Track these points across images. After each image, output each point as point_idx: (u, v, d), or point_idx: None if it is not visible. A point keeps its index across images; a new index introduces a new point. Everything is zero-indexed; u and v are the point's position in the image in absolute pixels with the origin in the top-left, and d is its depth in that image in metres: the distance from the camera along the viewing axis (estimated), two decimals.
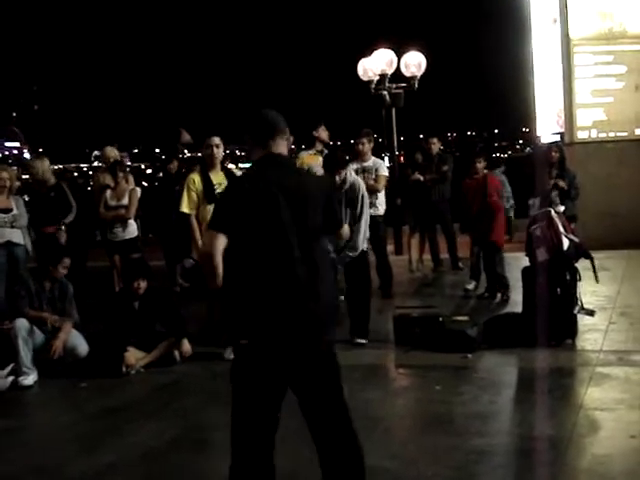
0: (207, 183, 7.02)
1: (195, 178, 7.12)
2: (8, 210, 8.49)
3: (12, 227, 8.49)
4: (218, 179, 7.05)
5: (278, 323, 3.30)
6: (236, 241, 3.32)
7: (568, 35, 13.04)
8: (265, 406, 3.45)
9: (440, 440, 4.81)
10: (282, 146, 3.54)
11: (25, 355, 6.61)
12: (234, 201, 3.37)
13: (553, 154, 9.83)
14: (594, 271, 7.15)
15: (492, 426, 5.11)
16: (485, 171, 9.53)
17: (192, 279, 10.02)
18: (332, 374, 3.46)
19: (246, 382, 3.49)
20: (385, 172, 9.46)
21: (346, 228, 4.10)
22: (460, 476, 4.24)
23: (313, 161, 9.32)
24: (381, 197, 9.43)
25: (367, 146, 9.33)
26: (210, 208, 6.92)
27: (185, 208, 7.09)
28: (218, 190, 6.99)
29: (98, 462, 4.78)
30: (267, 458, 3.46)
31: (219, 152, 7.16)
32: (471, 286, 9.56)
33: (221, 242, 3.30)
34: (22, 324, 6.70)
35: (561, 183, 9.47)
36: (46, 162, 9.61)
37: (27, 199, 9.55)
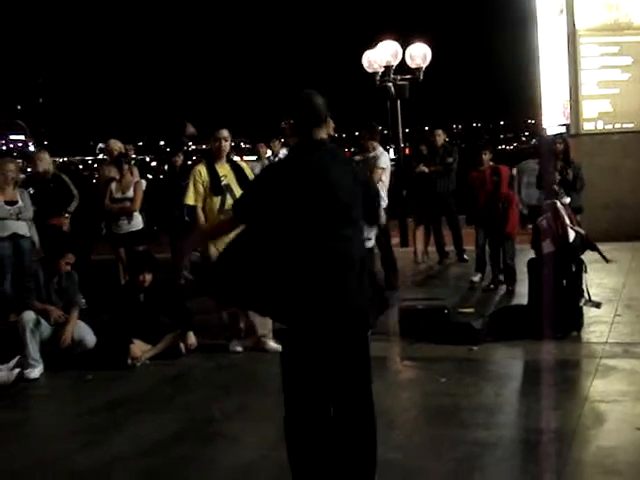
0: (213, 175, 6.99)
1: (201, 170, 7.08)
2: (14, 202, 8.51)
3: (18, 219, 8.51)
4: (224, 171, 7.04)
5: (317, 309, 3.32)
6: (272, 229, 3.31)
7: (574, 26, 12.99)
8: (314, 385, 3.49)
9: (445, 432, 4.82)
10: (324, 132, 3.50)
11: (32, 347, 6.63)
12: (267, 188, 3.35)
13: (557, 146, 9.81)
14: (602, 256, 7.15)
15: (497, 418, 5.11)
16: (491, 163, 9.51)
17: (197, 272, 10.04)
18: (362, 363, 3.50)
19: (293, 364, 3.53)
20: (382, 164, 9.32)
21: (383, 218, 4.15)
22: (465, 468, 4.24)
23: None
24: (383, 189, 9.40)
25: (366, 139, 9.27)
26: (216, 200, 6.93)
27: (190, 200, 7.04)
28: (224, 182, 6.99)
29: (103, 454, 4.79)
30: (323, 413, 3.50)
31: (227, 145, 7.13)
32: (477, 278, 9.55)
33: (233, 226, 3.53)
34: (29, 316, 6.71)
35: (570, 174, 9.45)
36: (45, 155, 9.70)
37: (31, 191, 9.57)
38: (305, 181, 3.31)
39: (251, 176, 7.12)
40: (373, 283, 3.55)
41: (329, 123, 3.66)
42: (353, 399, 3.49)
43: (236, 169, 7.09)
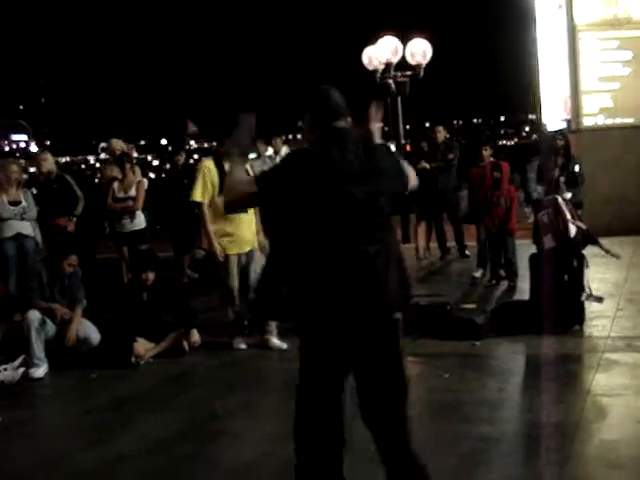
0: (221, 173, 6.89)
1: (210, 166, 7.01)
2: (17, 203, 8.54)
3: (22, 219, 8.54)
4: None
5: (342, 302, 3.21)
6: (296, 221, 3.24)
7: (573, 21, 12.98)
8: (331, 379, 3.39)
9: (448, 427, 4.84)
10: (344, 125, 3.39)
11: (37, 347, 6.65)
12: (292, 173, 3.22)
13: (558, 142, 9.82)
14: (604, 250, 7.17)
15: (500, 413, 5.13)
16: (491, 159, 9.52)
17: (202, 270, 10.06)
18: (393, 356, 3.42)
19: (312, 357, 3.37)
20: None
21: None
22: (468, 463, 4.26)
23: None
24: None
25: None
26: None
27: (198, 196, 6.98)
28: None
29: (108, 453, 4.81)
30: (335, 417, 3.41)
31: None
32: (478, 274, 9.57)
33: (251, 200, 3.49)
34: (34, 316, 6.74)
35: (576, 168, 9.46)
36: (48, 154, 9.73)
37: (34, 192, 9.60)
38: (321, 174, 3.19)
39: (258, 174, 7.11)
40: (402, 278, 3.39)
41: (348, 119, 3.46)
42: (382, 399, 3.39)
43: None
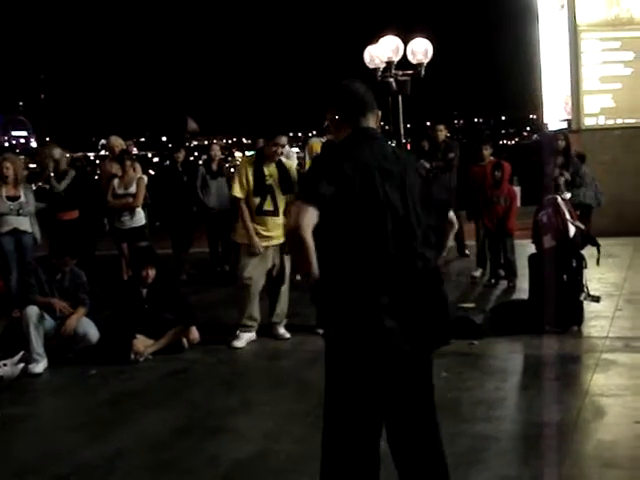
0: (258, 174, 7.08)
1: (248, 167, 7.16)
2: (16, 198, 8.53)
3: (18, 215, 8.53)
4: (270, 171, 7.12)
5: (374, 315, 2.97)
6: (328, 223, 2.93)
7: (575, 21, 13.00)
8: (364, 406, 3.10)
9: (446, 426, 4.79)
10: (372, 121, 3.21)
11: (36, 342, 6.66)
12: (328, 174, 2.95)
13: (559, 142, 9.83)
14: (598, 253, 7.16)
15: (498, 412, 5.14)
16: (491, 158, 9.54)
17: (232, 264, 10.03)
18: (425, 385, 3.20)
19: (341, 376, 3.11)
20: None
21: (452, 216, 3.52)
22: (466, 461, 4.26)
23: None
24: None
25: None
26: (256, 200, 7.05)
27: (237, 192, 7.13)
28: (268, 182, 7.08)
29: (107, 449, 4.82)
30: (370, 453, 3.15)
31: (283, 152, 7.27)
32: (478, 273, 9.58)
33: (311, 216, 2.87)
34: (32, 311, 6.75)
35: (565, 175, 9.50)
36: (57, 149, 9.67)
37: (40, 185, 9.61)
38: (356, 173, 2.98)
39: (295, 177, 7.23)
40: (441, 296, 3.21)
41: (377, 114, 3.27)
42: (420, 430, 3.20)
43: (281, 170, 7.16)
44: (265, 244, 7.12)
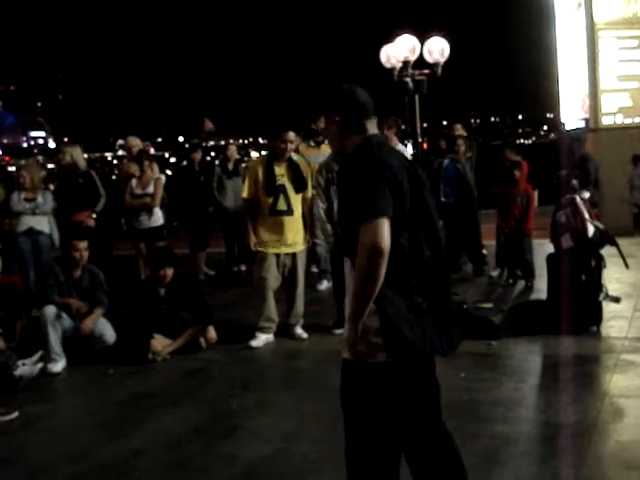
0: (269, 175, 7.08)
1: (258, 168, 7.18)
2: (32, 199, 8.60)
3: (34, 214, 8.58)
4: (281, 170, 7.12)
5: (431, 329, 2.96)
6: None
7: (592, 20, 12.93)
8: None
9: (464, 426, 4.82)
10: (375, 126, 3.13)
11: (54, 341, 6.71)
12: (385, 183, 2.86)
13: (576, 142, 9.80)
14: (622, 257, 7.10)
15: (516, 413, 5.12)
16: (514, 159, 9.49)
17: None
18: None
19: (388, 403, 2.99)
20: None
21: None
22: (484, 462, 4.25)
23: (312, 152, 9.48)
24: None
25: (385, 132, 9.26)
26: (268, 200, 7.05)
27: (245, 193, 7.20)
28: (279, 182, 7.08)
29: (125, 448, 4.85)
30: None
31: (292, 147, 7.23)
32: (496, 273, 9.55)
33: (388, 230, 2.80)
34: (50, 310, 6.80)
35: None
36: (78, 149, 9.66)
37: (57, 184, 9.65)
38: (398, 183, 2.91)
39: (307, 173, 7.21)
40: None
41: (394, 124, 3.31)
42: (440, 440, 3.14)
43: (294, 169, 7.16)
44: (276, 251, 7.10)
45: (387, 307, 2.88)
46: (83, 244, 7.13)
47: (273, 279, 7.17)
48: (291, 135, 7.15)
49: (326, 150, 9.15)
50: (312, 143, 9.84)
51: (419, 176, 3.04)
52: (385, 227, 2.79)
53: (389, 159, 2.97)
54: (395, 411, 2.98)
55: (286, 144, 7.09)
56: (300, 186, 7.13)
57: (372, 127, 3.10)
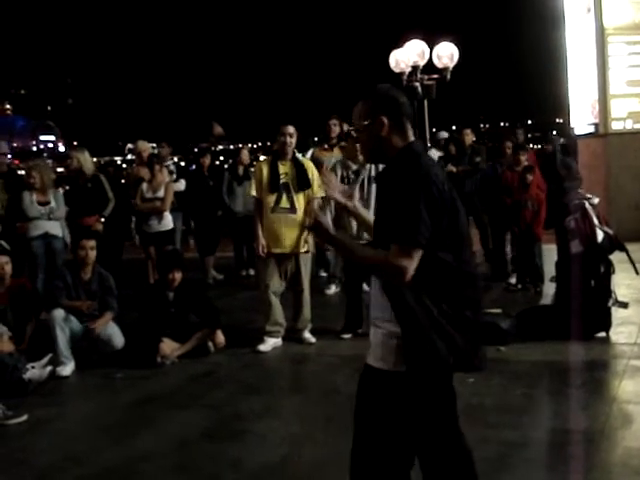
0: (273, 172, 7.10)
1: (263, 166, 7.21)
2: (46, 203, 8.63)
3: (49, 219, 8.62)
4: (285, 169, 7.13)
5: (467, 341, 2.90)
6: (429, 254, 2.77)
7: (602, 25, 12.90)
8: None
9: (472, 432, 4.77)
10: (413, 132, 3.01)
11: (62, 344, 6.72)
12: (430, 202, 2.75)
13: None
14: (632, 262, 7.07)
15: (525, 419, 5.10)
16: (526, 163, 9.49)
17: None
18: None
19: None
20: None
21: None
22: (492, 468, 4.23)
23: (326, 155, 9.50)
24: None
25: None
26: (272, 197, 7.06)
27: (253, 191, 7.23)
28: (283, 180, 7.08)
29: (132, 451, 4.86)
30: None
31: (292, 141, 7.18)
32: (513, 280, 9.50)
33: (416, 262, 2.74)
34: (58, 313, 6.82)
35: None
36: (85, 153, 9.68)
37: (67, 188, 9.68)
38: (447, 199, 2.83)
39: (314, 175, 7.18)
40: None
41: None
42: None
43: (298, 168, 7.16)
44: (277, 250, 7.09)
45: (436, 321, 2.79)
46: (90, 243, 7.16)
47: (276, 284, 7.17)
48: (290, 128, 7.15)
49: (339, 153, 9.18)
50: (326, 146, 9.87)
51: (452, 186, 2.94)
52: (417, 258, 2.72)
53: (436, 171, 2.87)
54: (415, 420, 2.95)
55: (285, 137, 7.09)
56: (303, 184, 7.12)
57: (412, 132, 2.99)
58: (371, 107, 2.96)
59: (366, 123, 2.95)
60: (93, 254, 7.19)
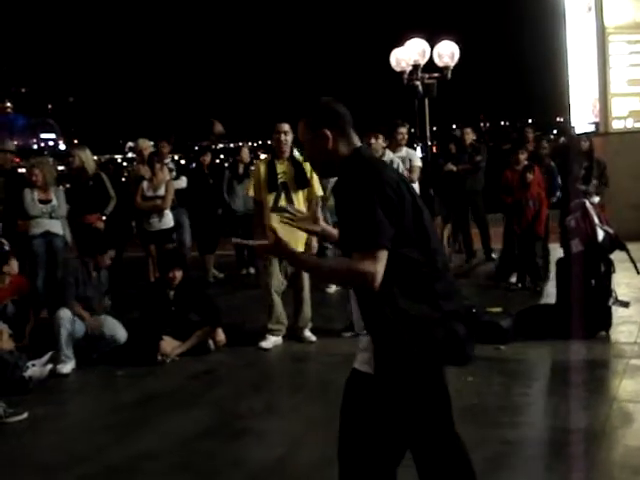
0: (271, 171, 7.12)
1: (260, 166, 7.25)
2: (48, 201, 8.62)
3: (51, 217, 8.61)
4: (283, 168, 7.15)
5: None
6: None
7: (603, 24, 12.89)
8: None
9: (472, 431, 4.78)
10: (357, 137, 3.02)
11: (65, 344, 6.73)
12: (386, 207, 2.73)
13: (582, 144, 9.77)
14: (632, 262, 7.07)
15: (524, 418, 5.12)
16: (525, 162, 9.49)
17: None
18: None
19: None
20: (419, 162, 9.52)
21: None
22: (492, 467, 4.24)
23: None
24: (415, 188, 9.41)
25: (372, 142, 9.20)
26: (270, 196, 7.07)
27: (252, 192, 7.26)
28: (281, 179, 7.09)
29: (133, 450, 4.87)
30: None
31: (287, 139, 7.17)
32: (513, 279, 9.50)
33: (384, 264, 2.71)
34: (65, 314, 6.81)
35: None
36: (86, 151, 9.65)
37: (68, 186, 9.67)
38: (404, 198, 2.83)
39: (313, 174, 7.14)
40: None
41: None
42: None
43: (297, 167, 7.16)
44: None
45: (411, 319, 2.78)
46: (113, 252, 7.36)
47: (277, 283, 7.17)
48: (285, 126, 7.16)
49: None
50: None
51: (410, 185, 2.96)
52: (383, 260, 2.70)
53: (388, 172, 2.89)
54: (405, 422, 2.94)
55: (280, 134, 7.11)
56: (302, 183, 7.12)
57: (356, 138, 3.00)
58: (313, 122, 2.98)
59: (310, 138, 2.98)
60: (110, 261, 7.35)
